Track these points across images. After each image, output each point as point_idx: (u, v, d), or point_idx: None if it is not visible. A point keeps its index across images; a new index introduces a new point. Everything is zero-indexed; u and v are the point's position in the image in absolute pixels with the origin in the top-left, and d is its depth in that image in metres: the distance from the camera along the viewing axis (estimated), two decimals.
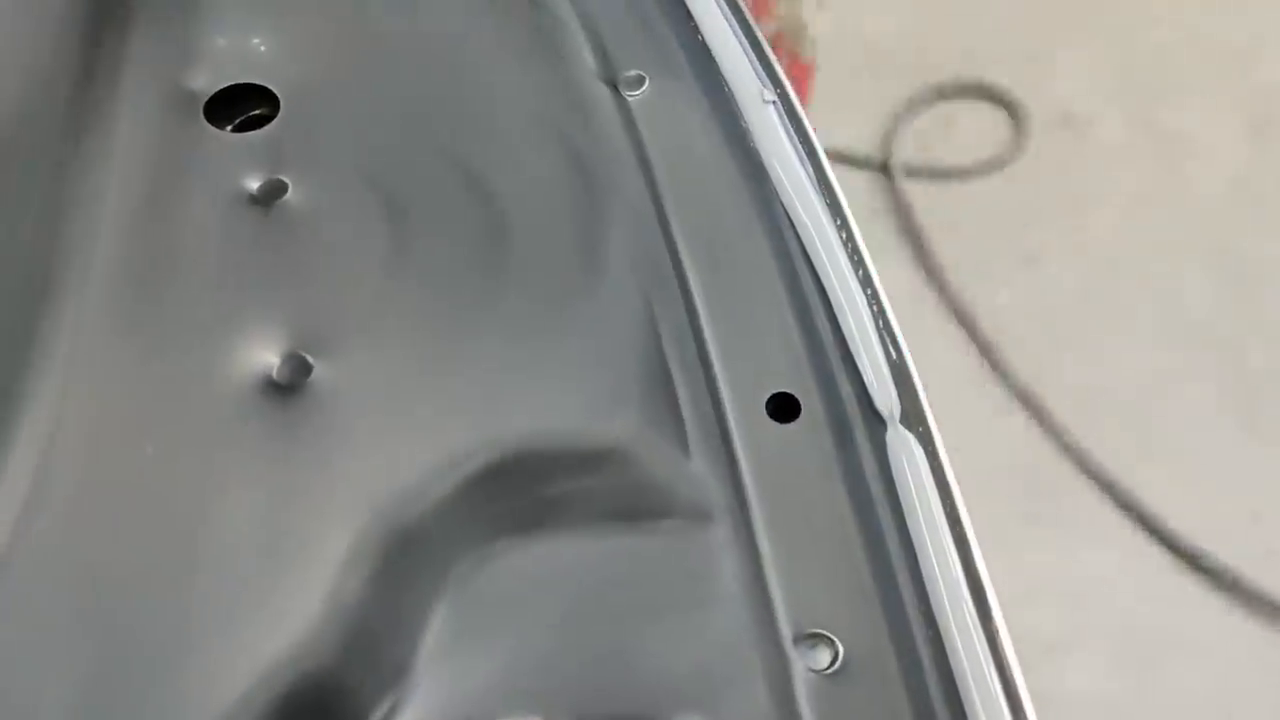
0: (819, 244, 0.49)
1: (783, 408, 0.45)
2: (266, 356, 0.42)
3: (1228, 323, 2.14)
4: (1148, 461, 1.95)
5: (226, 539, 0.39)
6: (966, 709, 0.38)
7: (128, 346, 0.42)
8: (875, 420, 0.45)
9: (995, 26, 2.54)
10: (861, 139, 2.38)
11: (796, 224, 0.49)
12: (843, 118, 2.44)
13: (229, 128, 0.50)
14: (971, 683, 0.39)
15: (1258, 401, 2.02)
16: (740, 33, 0.54)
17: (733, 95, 0.53)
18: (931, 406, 0.46)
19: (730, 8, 0.55)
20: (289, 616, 0.37)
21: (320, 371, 0.42)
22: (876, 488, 0.43)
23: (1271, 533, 1.91)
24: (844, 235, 0.49)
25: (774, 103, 0.52)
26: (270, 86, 0.50)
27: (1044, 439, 1.99)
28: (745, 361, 0.46)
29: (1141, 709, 1.77)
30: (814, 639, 0.40)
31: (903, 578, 0.41)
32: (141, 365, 0.41)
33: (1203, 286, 2.17)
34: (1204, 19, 2.53)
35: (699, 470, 0.43)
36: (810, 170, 0.50)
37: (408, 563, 0.39)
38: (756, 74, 0.53)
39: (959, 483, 0.47)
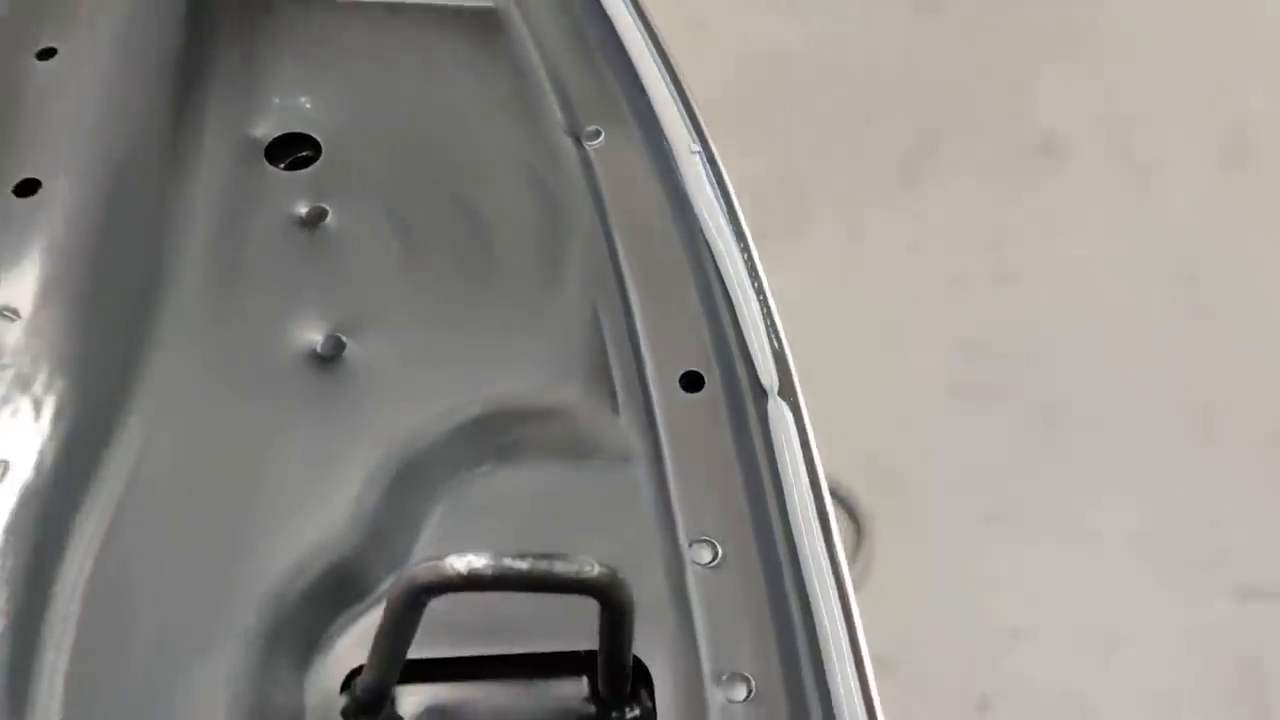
0: (727, 261, 0.67)
1: (692, 382, 0.63)
2: (312, 336, 0.61)
3: (1190, 343, 2.29)
4: (1107, 469, 2.11)
5: (282, 464, 0.57)
6: (808, 591, 0.56)
7: (212, 329, 0.60)
8: (760, 393, 0.63)
9: (983, 51, 2.69)
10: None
11: (711, 246, 0.67)
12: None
13: (282, 166, 0.68)
14: (814, 574, 0.57)
15: (1215, 416, 2.18)
16: (675, 93, 0.72)
17: (668, 145, 0.71)
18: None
19: (668, 71, 0.73)
20: (324, 519, 0.55)
21: (352, 348, 0.60)
22: (757, 442, 0.61)
23: (1225, 536, 2.06)
24: (745, 256, 0.67)
25: (698, 153, 0.70)
26: (314, 135, 0.68)
27: (1011, 444, 2.15)
28: (665, 347, 0.63)
29: (1096, 695, 1.93)
30: (701, 543, 0.58)
31: (770, 504, 0.59)
32: (222, 342, 0.60)
33: (1168, 308, 2.32)
34: (1182, 50, 2.68)
35: (625, 425, 0.61)
36: (723, 205, 0.68)
37: (413, 482, 0.56)
38: (687, 129, 0.71)
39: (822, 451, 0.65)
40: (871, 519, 2.02)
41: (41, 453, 0.52)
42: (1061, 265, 2.35)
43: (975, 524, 2.06)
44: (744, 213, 0.68)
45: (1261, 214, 2.43)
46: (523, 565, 0.45)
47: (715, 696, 0.53)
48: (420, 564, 0.45)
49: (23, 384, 0.53)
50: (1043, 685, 1.94)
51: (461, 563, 0.44)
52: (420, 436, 0.58)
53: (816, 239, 2.39)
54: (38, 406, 0.53)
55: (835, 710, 0.53)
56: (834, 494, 1.96)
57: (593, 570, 0.46)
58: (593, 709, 0.53)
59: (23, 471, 0.51)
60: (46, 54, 0.66)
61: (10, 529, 0.50)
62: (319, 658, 0.52)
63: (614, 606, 0.47)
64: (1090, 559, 2.03)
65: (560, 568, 0.45)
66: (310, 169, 0.67)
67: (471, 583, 0.44)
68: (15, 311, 0.55)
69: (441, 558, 0.45)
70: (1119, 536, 2.05)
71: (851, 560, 1.94)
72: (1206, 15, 2.68)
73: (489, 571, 0.44)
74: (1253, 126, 2.54)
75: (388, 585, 0.53)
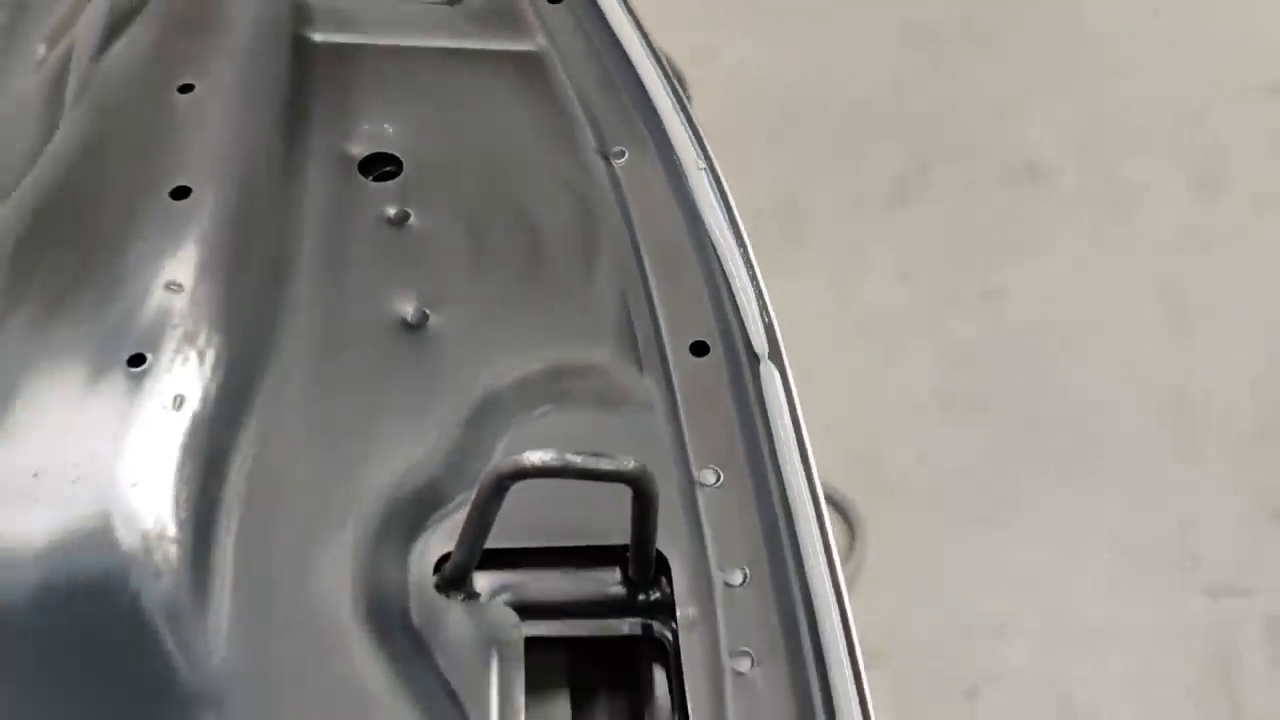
0: (727, 255, 0.85)
1: (699, 348, 0.81)
2: (404, 308, 0.79)
3: (1168, 356, 2.45)
4: (1088, 473, 2.26)
5: (384, 403, 0.75)
6: (790, 503, 0.74)
7: (326, 301, 0.78)
8: (753, 357, 0.81)
9: (970, 80, 2.86)
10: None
11: (714, 243, 0.86)
12: None
13: (372, 179, 0.86)
14: (798, 494, 0.75)
15: (1191, 425, 2.34)
16: (684, 120, 0.91)
17: (679, 163, 0.89)
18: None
19: (678, 101, 0.91)
20: (420, 444, 0.73)
21: (434, 319, 0.79)
22: (751, 394, 0.79)
23: (1197, 540, 2.21)
24: (742, 251, 0.85)
25: (705, 169, 0.88)
26: (397, 153, 0.87)
27: (997, 450, 2.30)
28: (677, 321, 0.81)
29: (1076, 685, 2.07)
30: (707, 469, 0.75)
31: (762, 440, 0.76)
32: (334, 311, 0.77)
33: (1147, 323, 2.48)
34: (1160, 82, 2.84)
35: (647, 381, 0.79)
36: (725, 211, 0.87)
37: (486, 420, 0.74)
38: (695, 149, 0.89)
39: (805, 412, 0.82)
40: (864, 520, 2.18)
41: (206, 389, 0.70)
42: (1046, 282, 2.51)
43: (963, 525, 2.22)
44: (741, 218, 0.87)
45: (1235, 236, 2.60)
46: (577, 459, 0.62)
47: (718, 580, 0.70)
48: (503, 459, 0.63)
49: (189, 339, 0.71)
50: (1028, 675, 2.09)
51: (535, 456, 0.62)
52: (490, 387, 0.75)
53: (812, 257, 2.56)
54: (201, 356, 0.71)
55: (810, 588, 0.70)
56: (828, 498, 2.13)
57: (629, 465, 0.63)
58: (624, 590, 0.71)
59: (193, 403, 0.69)
60: (186, 89, 0.84)
61: (186, 446, 0.68)
62: (416, 545, 0.69)
63: (644, 496, 0.65)
64: (1071, 558, 2.18)
65: (606, 463, 0.63)
66: (394, 180, 0.85)
67: (541, 471, 0.62)
68: (180, 285, 0.73)
69: (519, 454, 0.63)
70: (1099, 537, 2.20)
71: (845, 559, 2.11)
72: (1184, 51, 2.86)
73: (554, 462, 0.62)
74: (1227, 154, 2.71)
75: (465, 496, 0.71)
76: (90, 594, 0.62)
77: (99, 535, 0.63)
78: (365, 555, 0.68)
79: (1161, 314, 2.49)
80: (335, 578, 0.66)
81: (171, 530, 0.64)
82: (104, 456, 0.66)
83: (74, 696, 0.60)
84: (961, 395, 2.37)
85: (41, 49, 0.95)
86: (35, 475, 0.65)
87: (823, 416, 2.42)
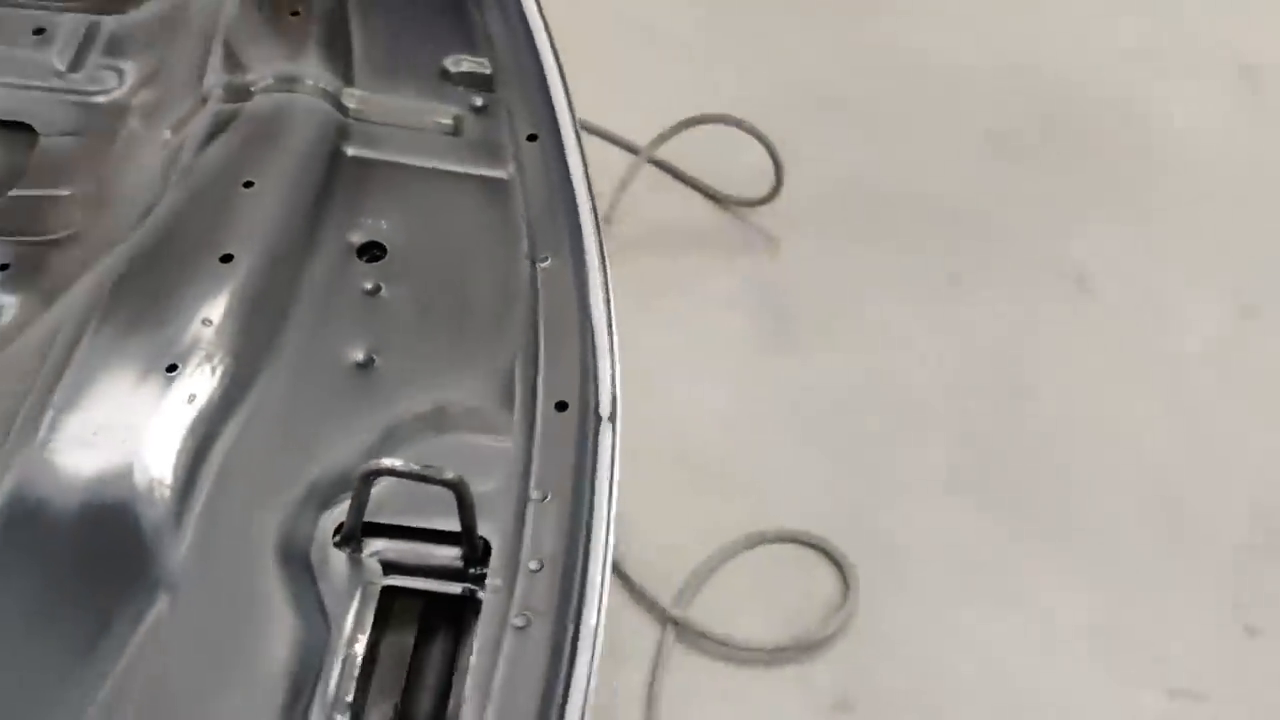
0: (601, 340, 1.20)
1: (561, 406, 1.16)
2: (358, 353, 1.17)
3: (1179, 466, 2.64)
4: (1078, 562, 2.47)
5: (331, 416, 1.13)
6: (592, 523, 1.08)
7: (306, 342, 1.17)
8: (598, 418, 1.16)
9: (1038, 188, 3.09)
10: None
11: (594, 330, 1.21)
12: None
13: (364, 260, 1.25)
14: (599, 515, 1.09)
15: (1186, 532, 2.52)
16: (595, 233, 1.27)
17: (586, 266, 1.25)
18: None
19: (594, 220, 1.27)
20: (346, 448, 1.11)
21: (379, 363, 1.17)
22: (590, 444, 1.14)
23: (1169, 640, 2.39)
24: (610, 339, 1.20)
25: (601, 272, 1.24)
26: (385, 243, 1.25)
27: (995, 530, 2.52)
28: (551, 384, 1.17)
29: None
30: (539, 489, 1.11)
31: (586, 477, 1.11)
32: (309, 350, 1.16)
33: (1164, 434, 2.67)
34: (1215, 215, 3.03)
35: (517, 422, 1.15)
36: (605, 306, 1.22)
37: (396, 434, 1.12)
38: (600, 259, 1.25)
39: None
40: (858, 574, 2.46)
41: (211, 393, 1.09)
42: (1073, 386, 2.70)
43: (949, 594, 2.46)
44: (615, 309, 1.22)
45: (1265, 367, 2.77)
46: (416, 466, 0.99)
47: (524, 566, 1.06)
48: (369, 461, 1.00)
49: (208, 358, 1.11)
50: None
51: (386, 461, 0.99)
52: (403, 412, 1.13)
53: (856, 333, 2.85)
54: (213, 371, 1.10)
55: (586, 578, 1.05)
56: (822, 548, 2.41)
57: (450, 475, 0.99)
58: (460, 564, 1.07)
59: (200, 401, 1.09)
60: (249, 184, 1.25)
61: (190, 429, 1.07)
62: (327, 514, 1.07)
63: (463, 500, 1.01)
64: (1043, 640, 2.40)
65: (434, 471, 0.99)
66: (379, 263, 1.24)
67: (391, 472, 0.99)
68: (210, 321, 1.13)
69: (384, 460, 1.00)
70: (1077, 622, 2.41)
71: (838, 607, 2.39)
72: (1240, 187, 3.05)
73: (400, 467, 0.99)
74: (1271, 291, 2.89)
75: None
76: (111, 508, 1.02)
77: (125, 476, 1.04)
78: (290, 515, 1.06)
79: (1181, 427, 2.65)
80: (267, 525, 1.05)
81: (168, 479, 1.04)
82: (140, 428, 1.07)
83: (88, 572, 1.00)
84: (970, 479, 2.57)
85: (168, 133, 1.37)
86: (95, 432, 1.06)
87: (836, 478, 2.72)
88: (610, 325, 1.21)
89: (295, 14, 1.38)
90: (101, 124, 1.41)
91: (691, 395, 2.77)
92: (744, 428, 2.70)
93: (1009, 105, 3.25)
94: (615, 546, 2.43)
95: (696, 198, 3.09)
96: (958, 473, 2.64)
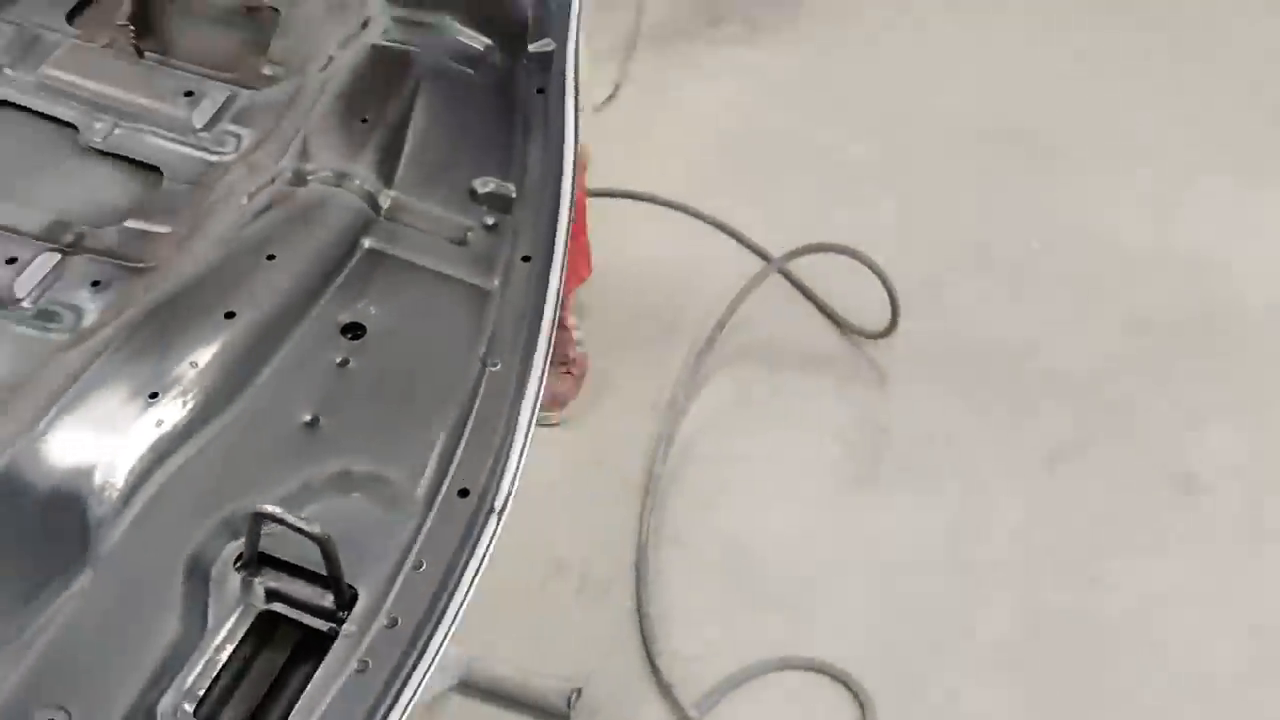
0: (513, 447, 1.39)
1: (463, 493, 1.35)
2: (309, 413, 1.40)
3: (1241, 694, 2.56)
4: None
5: (265, 467, 1.36)
6: (453, 593, 1.27)
7: (268, 396, 1.40)
8: (490, 510, 1.34)
9: (1161, 382, 3.06)
10: None
11: (514, 432, 1.40)
12: None
13: (348, 337, 1.48)
14: (463, 583, 1.28)
15: None
16: (545, 347, 1.46)
17: (528, 373, 1.44)
18: None
19: (549, 335, 1.46)
20: (268, 491, 1.34)
21: (323, 424, 1.39)
22: (476, 530, 1.33)
23: None
24: (525, 442, 1.39)
25: (538, 381, 1.43)
26: (367, 325, 1.48)
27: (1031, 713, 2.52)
28: (460, 471, 1.37)
29: None
30: (412, 559, 1.30)
31: (461, 557, 1.31)
32: (267, 402, 1.40)
33: (1230, 655, 2.59)
34: None
35: (419, 497, 1.35)
36: (530, 413, 1.41)
37: (310, 488, 1.34)
38: (541, 367, 1.44)
39: None
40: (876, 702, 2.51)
41: (176, 421, 1.34)
42: (1154, 595, 2.67)
43: None
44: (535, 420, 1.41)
45: None
46: (290, 518, 1.20)
47: (380, 621, 1.25)
48: (255, 505, 1.22)
49: (184, 393, 1.36)
50: None
51: (270, 508, 1.21)
52: (325, 468, 1.35)
53: (945, 487, 2.90)
54: (184, 404, 1.36)
55: (428, 641, 1.24)
56: (852, 689, 2.51)
57: (318, 530, 1.20)
58: (331, 605, 1.27)
59: (166, 426, 1.34)
60: (271, 257, 1.50)
61: (151, 446, 1.32)
62: (234, 543, 1.30)
63: (328, 555, 1.21)
64: None
65: (305, 524, 1.20)
66: (357, 341, 1.47)
67: (271, 518, 1.20)
68: (196, 364, 1.39)
69: (268, 506, 1.22)
70: None
71: None
72: None
73: (277, 514, 1.20)
74: None
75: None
76: (70, 496, 1.28)
77: (88, 474, 1.30)
78: (206, 535, 1.29)
79: (1248, 650, 2.60)
80: (185, 539, 1.28)
81: (119, 484, 1.29)
82: (115, 437, 1.33)
83: (41, 539, 1.26)
84: (1019, 658, 2.59)
85: (245, 199, 1.64)
86: (80, 434, 1.33)
87: (884, 620, 2.79)
88: (529, 432, 1.39)
89: (365, 120, 1.64)
90: (211, 179, 1.71)
91: (769, 510, 2.90)
92: (810, 554, 2.80)
93: (1163, 293, 3.25)
94: (654, 640, 2.67)
95: (817, 318, 3.22)
96: (1008, 649, 2.65)
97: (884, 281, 2.95)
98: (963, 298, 3.25)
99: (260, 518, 1.22)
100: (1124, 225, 3.39)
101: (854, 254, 2.96)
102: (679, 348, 3.14)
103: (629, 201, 3.45)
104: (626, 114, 3.67)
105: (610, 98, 3.69)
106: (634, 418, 3.04)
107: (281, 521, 1.21)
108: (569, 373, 3.05)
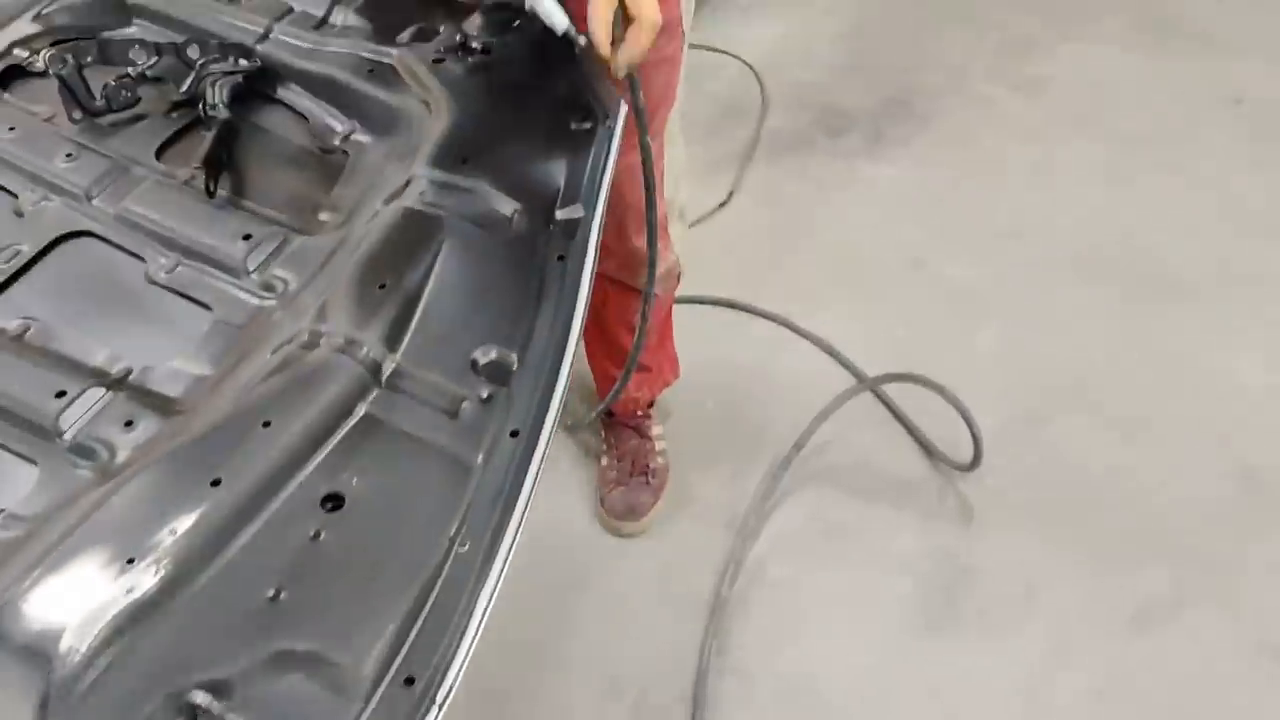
0: (466, 635, 1.41)
1: (409, 681, 1.38)
2: (273, 587, 1.45)
3: None
4: None
5: (230, 644, 1.42)
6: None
7: (243, 561, 1.47)
8: (431, 702, 1.37)
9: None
10: None
11: (471, 623, 1.42)
12: None
13: (326, 508, 1.52)
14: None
15: None
16: (513, 532, 1.48)
17: (494, 556, 1.47)
18: None
19: (518, 522, 1.49)
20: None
21: (284, 597, 1.42)
22: (419, 715, 1.36)
23: None
24: (480, 624, 1.41)
25: (503, 562, 1.46)
26: (346, 497, 1.53)
27: None
28: (409, 658, 1.40)
29: None
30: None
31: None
32: (230, 580, 1.46)
33: None
34: None
35: (362, 686, 1.38)
36: (489, 597, 1.43)
37: (268, 667, 1.39)
38: (510, 542, 1.47)
39: None
40: None
41: (152, 585, 1.42)
42: None
43: None
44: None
45: None
46: (216, 708, 1.26)
47: None
48: (192, 694, 1.28)
49: (161, 558, 1.43)
50: None
51: (199, 700, 1.27)
52: (269, 651, 1.39)
53: (1022, 637, 2.80)
54: (158, 570, 1.43)
55: None
56: None
57: None
58: None
59: (138, 591, 1.42)
60: (266, 424, 1.57)
61: (121, 614, 1.40)
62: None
63: None
64: None
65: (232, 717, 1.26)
66: (334, 513, 1.50)
67: (194, 708, 1.26)
68: (175, 531, 1.44)
69: (199, 695, 1.27)
70: None
71: None
72: None
73: (203, 705, 1.26)
74: None
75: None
76: (40, 656, 1.32)
77: (56, 637, 1.37)
78: (155, 705, 1.35)
79: None
80: (135, 707, 1.35)
81: (83, 649, 1.36)
82: (86, 601, 1.41)
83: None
84: None
85: (269, 354, 1.72)
86: (59, 594, 1.40)
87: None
88: (483, 619, 1.42)
89: (383, 287, 1.70)
90: (256, 323, 1.79)
91: (834, 646, 2.87)
92: (873, 699, 2.76)
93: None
94: None
95: (906, 443, 3.17)
96: None
97: (966, 418, 2.88)
98: (1063, 435, 3.15)
99: (186, 708, 1.28)
100: (1243, 370, 3.23)
101: (939, 389, 2.90)
102: (762, 462, 3.13)
103: (729, 310, 3.46)
104: (737, 221, 3.69)
105: (723, 204, 3.71)
106: (709, 533, 3.05)
107: (208, 713, 1.26)
108: (648, 483, 3.07)
